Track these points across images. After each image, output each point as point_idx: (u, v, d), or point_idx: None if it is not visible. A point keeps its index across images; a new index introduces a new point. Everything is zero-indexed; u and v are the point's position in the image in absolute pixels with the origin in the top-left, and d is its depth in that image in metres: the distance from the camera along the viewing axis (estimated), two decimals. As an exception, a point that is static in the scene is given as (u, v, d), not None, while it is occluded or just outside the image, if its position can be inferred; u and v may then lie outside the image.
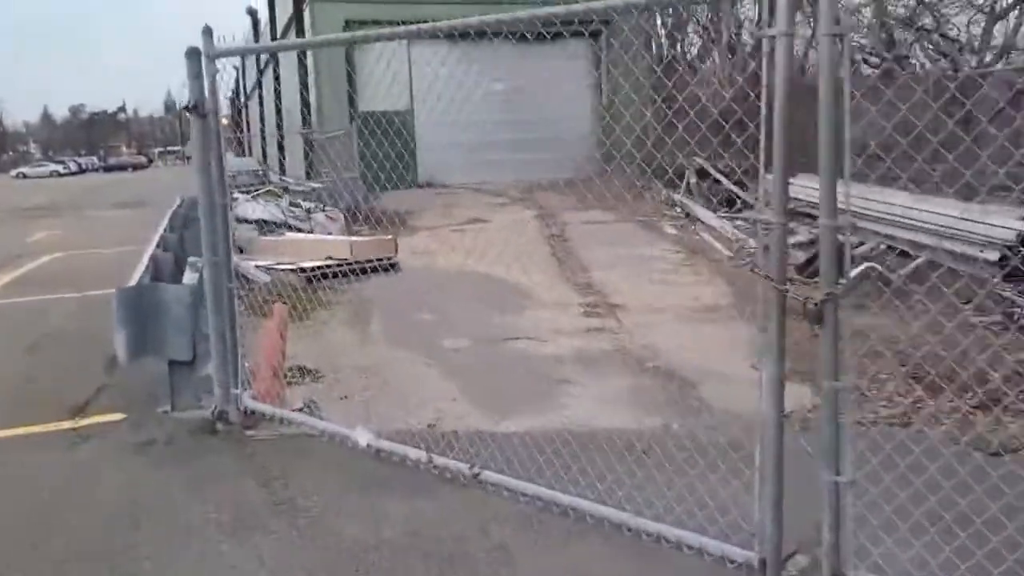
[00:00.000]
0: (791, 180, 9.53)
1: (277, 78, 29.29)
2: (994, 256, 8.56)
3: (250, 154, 42.20)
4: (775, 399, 2.92)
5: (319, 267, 10.41)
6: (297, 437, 4.78)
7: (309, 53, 22.06)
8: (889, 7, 13.30)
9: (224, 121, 5.54)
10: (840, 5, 2.73)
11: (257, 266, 10.29)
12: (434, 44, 21.00)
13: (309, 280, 9.94)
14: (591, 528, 3.53)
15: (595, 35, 22.68)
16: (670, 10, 21.80)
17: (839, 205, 2.85)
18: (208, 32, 4.69)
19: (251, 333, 5.77)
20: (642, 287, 9.22)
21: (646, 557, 3.34)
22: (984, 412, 4.86)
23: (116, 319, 5.13)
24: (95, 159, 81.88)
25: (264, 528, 3.73)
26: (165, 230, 9.76)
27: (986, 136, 8.45)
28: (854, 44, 14.65)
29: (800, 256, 10.64)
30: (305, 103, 22.84)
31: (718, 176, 15.51)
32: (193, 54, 4.68)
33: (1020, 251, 8.28)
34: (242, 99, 47.67)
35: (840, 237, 2.82)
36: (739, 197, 14.03)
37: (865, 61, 13.98)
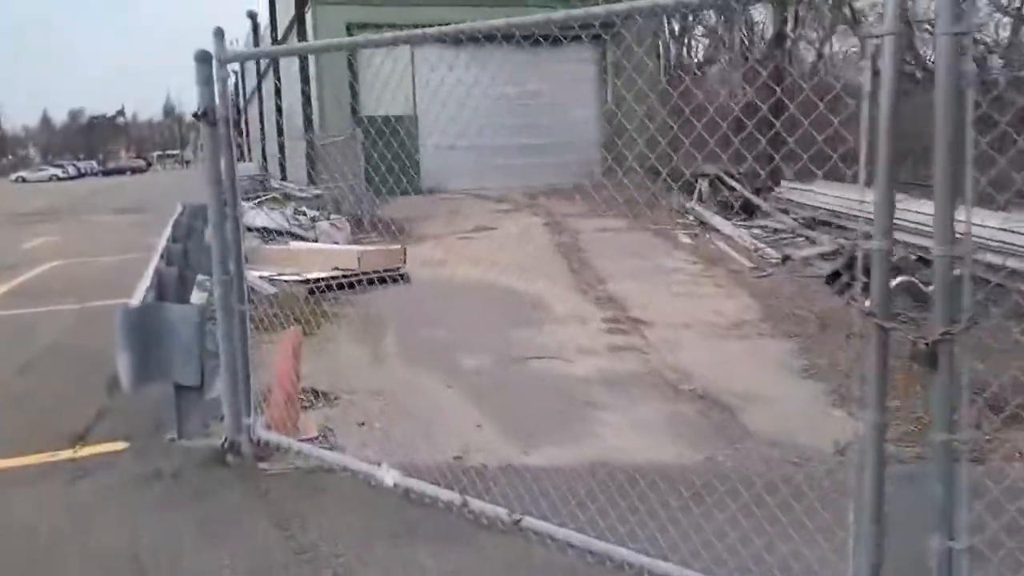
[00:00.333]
0: (814, 188, 9.17)
1: (278, 82, 28.97)
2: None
3: (250, 159, 41.89)
4: (876, 453, 2.55)
5: (326, 278, 10.05)
6: (314, 472, 4.43)
7: (311, 57, 21.72)
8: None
9: None
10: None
11: (261, 277, 9.94)
12: (438, 48, 20.82)
13: (315, 291, 9.59)
14: (649, 585, 3.17)
15: (601, 39, 22.40)
16: (677, 15, 21.51)
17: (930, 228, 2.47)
18: (219, 34, 4.34)
19: (255, 349, 5.43)
20: (663, 300, 8.87)
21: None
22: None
23: (119, 342, 4.77)
24: (94, 163, 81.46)
25: (284, 581, 3.38)
26: (168, 240, 9.40)
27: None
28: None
29: (825, 267, 10.32)
30: (306, 107, 22.52)
31: (732, 183, 15.18)
32: (203, 58, 4.33)
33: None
34: (242, 103, 47.37)
35: (959, 269, 2.45)
36: (758, 206, 13.68)
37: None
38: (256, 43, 36.35)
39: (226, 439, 4.77)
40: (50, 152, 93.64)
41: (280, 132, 30.09)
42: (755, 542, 3.23)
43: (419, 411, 5.51)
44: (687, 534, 3.34)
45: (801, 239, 12.05)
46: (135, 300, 5.48)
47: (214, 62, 4.28)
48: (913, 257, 9.61)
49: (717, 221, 13.76)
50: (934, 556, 2.46)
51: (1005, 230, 9.11)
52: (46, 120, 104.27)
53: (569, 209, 17.65)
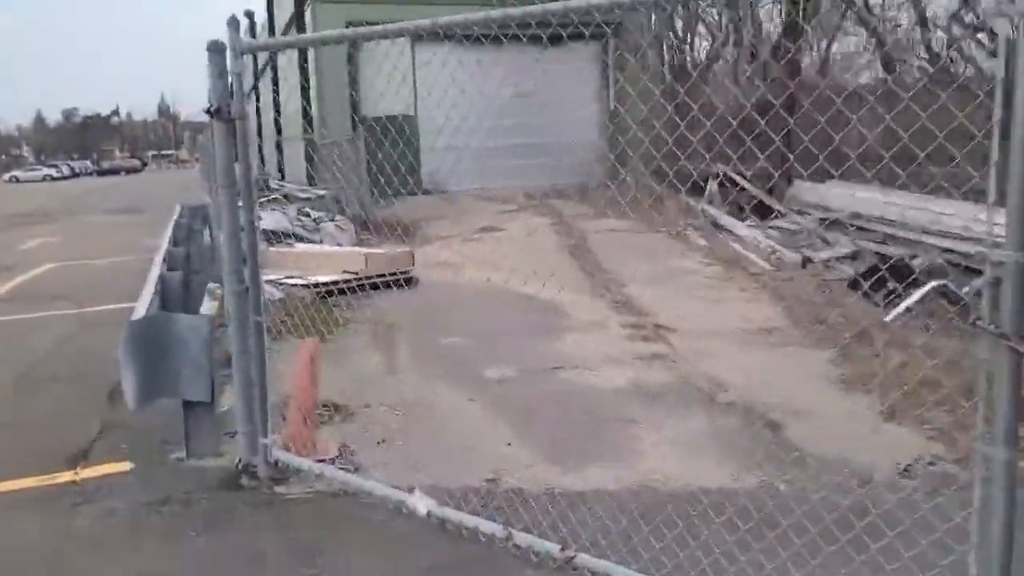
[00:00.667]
0: (829, 188, 8.76)
1: (275, 80, 28.57)
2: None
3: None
4: (1007, 498, 2.21)
5: (333, 282, 9.71)
6: (338, 497, 4.09)
7: (310, 55, 21.40)
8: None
9: None
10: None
11: (267, 281, 9.59)
12: (439, 47, 20.49)
13: (322, 296, 9.26)
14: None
15: (603, 37, 22.13)
16: (680, 9, 21.17)
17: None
18: (234, 23, 4.01)
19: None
20: (685, 305, 8.54)
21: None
22: None
23: (123, 356, 4.42)
24: (88, 163, 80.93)
25: (312, 627, 3.05)
26: (169, 243, 9.05)
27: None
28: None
29: (846, 270, 10.01)
30: (306, 107, 22.17)
31: (743, 183, 14.85)
32: (217, 48, 4.00)
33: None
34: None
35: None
36: (774, 207, 13.36)
37: (906, 62, 13.39)
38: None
39: (240, 460, 4.44)
40: (44, 152, 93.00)
41: (279, 132, 29.69)
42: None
43: (442, 427, 5.18)
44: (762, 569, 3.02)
45: (818, 241, 11.74)
46: (140, 308, 5.14)
47: (228, 53, 3.94)
48: (940, 261, 9.32)
49: (729, 222, 13.44)
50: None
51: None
52: (40, 119, 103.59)
53: (575, 210, 17.35)
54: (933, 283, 7.55)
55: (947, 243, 9.47)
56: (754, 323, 7.68)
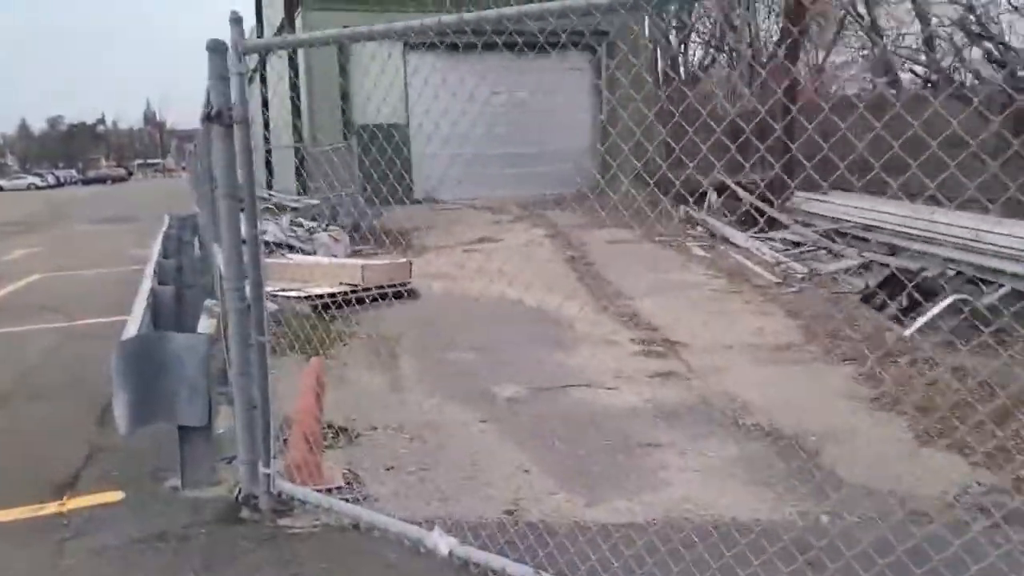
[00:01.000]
0: (833, 199, 8.53)
1: (264, 85, 28.25)
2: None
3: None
4: None
5: (331, 294, 9.41)
6: (346, 531, 3.79)
7: (301, 62, 21.15)
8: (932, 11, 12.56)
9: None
10: None
11: (261, 293, 9.28)
12: (429, 54, 20.30)
13: (320, 309, 8.96)
14: None
15: (596, 44, 21.99)
16: (673, 17, 21.02)
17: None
18: (237, 20, 3.72)
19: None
20: (693, 319, 8.29)
21: None
22: None
23: (116, 379, 4.12)
24: (74, 172, 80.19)
25: None
26: (159, 255, 8.72)
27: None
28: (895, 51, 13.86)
29: (854, 282, 9.79)
30: (296, 114, 21.89)
31: (743, 193, 14.65)
32: (218, 48, 3.71)
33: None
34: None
35: None
36: (776, 217, 13.14)
37: (911, 71, 13.24)
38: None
39: (240, 490, 4.13)
40: (28, 160, 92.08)
41: (267, 140, 29.35)
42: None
43: (454, 451, 4.90)
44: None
45: (823, 252, 11.54)
46: (132, 326, 4.83)
47: (230, 53, 3.66)
48: (951, 273, 9.11)
49: (730, 233, 13.23)
50: None
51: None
52: (24, 127, 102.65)
53: (571, 220, 17.08)
54: (953, 297, 7.32)
55: (955, 254, 9.26)
56: (767, 338, 7.44)
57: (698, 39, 20.43)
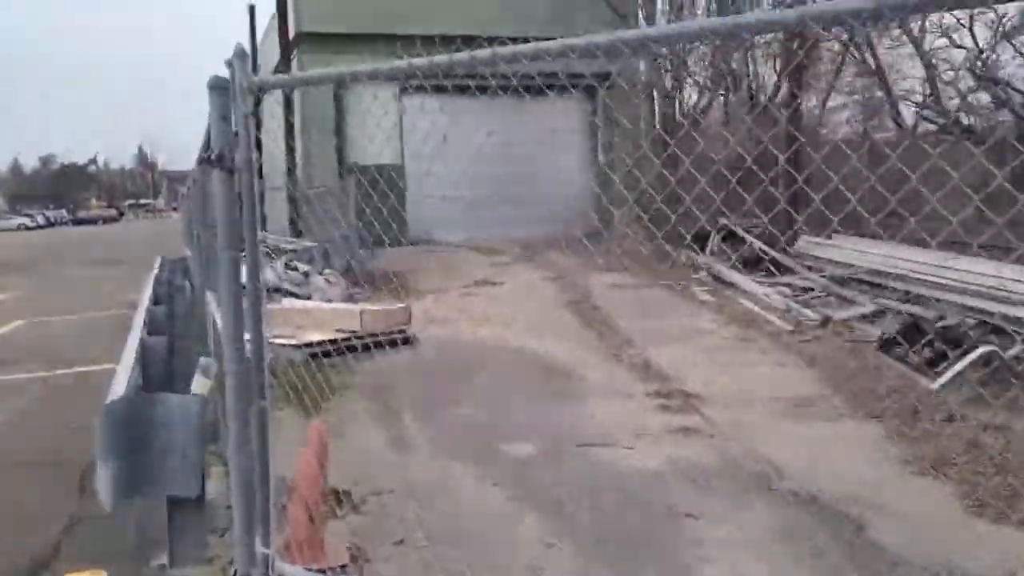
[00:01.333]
0: (841, 244, 8.20)
1: (258, 128, 28.10)
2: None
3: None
4: None
5: (326, 342, 9.04)
6: (356, 622, 3.40)
7: (296, 103, 21.05)
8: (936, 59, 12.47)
9: None
10: None
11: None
12: (426, 96, 20.21)
13: (314, 357, 8.58)
14: None
15: (596, 84, 21.96)
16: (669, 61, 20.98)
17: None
18: (242, 55, 3.41)
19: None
20: (707, 369, 7.94)
21: None
22: None
23: (101, 447, 3.73)
24: (64, 212, 79.76)
25: None
26: (149, 302, 8.35)
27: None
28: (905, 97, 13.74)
29: (869, 330, 9.47)
30: (290, 155, 21.69)
31: (747, 237, 14.40)
32: (219, 86, 3.38)
33: None
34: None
35: None
36: (783, 261, 12.88)
37: (924, 118, 13.10)
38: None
39: (235, 572, 3.72)
40: (18, 200, 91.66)
41: (261, 178, 29.14)
42: None
43: (467, 521, 4.51)
44: None
45: (832, 298, 11.24)
46: (119, 384, 4.45)
47: (237, 91, 3.34)
48: (972, 322, 8.79)
49: (736, 278, 12.93)
50: None
51: None
52: (16, 167, 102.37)
53: (570, 262, 16.80)
54: (983, 348, 7.00)
55: (976, 302, 8.96)
56: (788, 390, 7.09)
57: (695, 83, 20.32)
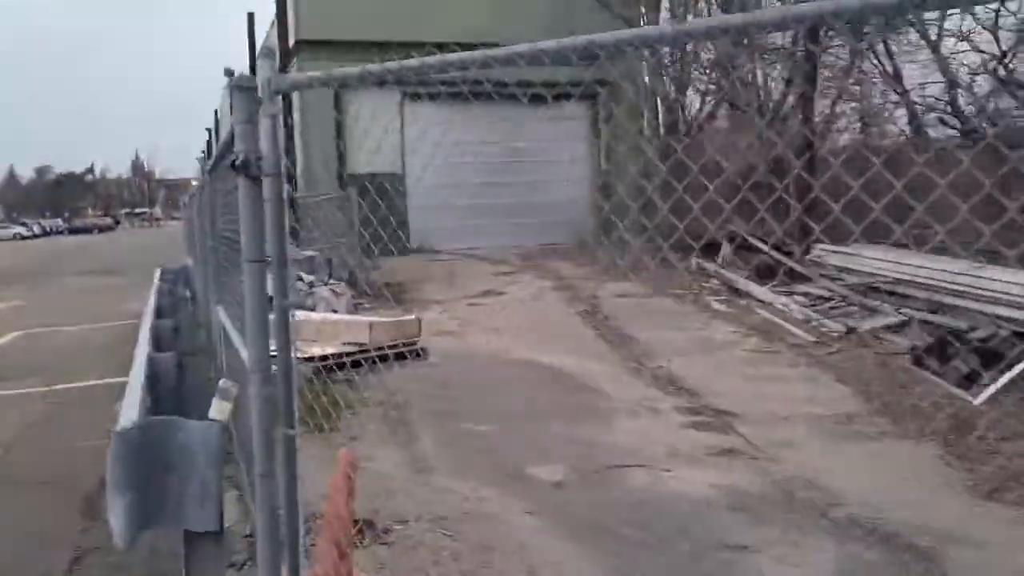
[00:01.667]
0: (861, 252, 7.84)
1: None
2: None
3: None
4: None
5: (334, 355, 8.73)
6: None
7: (295, 109, 20.77)
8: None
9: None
10: None
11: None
12: (427, 105, 19.93)
13: (322, 371, 8.27)
14: None
15: (595, 95, 21.81)
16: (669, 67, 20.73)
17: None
18: (269, 54, 3.12)
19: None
20: (736, 383, 7.64)
21: None
22: None
23: (112, 479, 3.41)
24: (60, 221, 79.40)
25: None
26: (153, 314, 8.02)
27: None
28: (920, 103, 13.50)
29: (897, 341, 9.17)
30: (290, 163, 21.37)
31: (759, 245, 14.11)
32: (245, 86, 3.09)
33: None
34: (212, 160, 45.95)
35: None
36: (799, 270, 12.58)
37: (942, 122, 12.85)
38: (232, 103, 35.21)
39: (260, 614, 3.40)
40: (14, 209, 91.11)
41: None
42: None
43: (505, 555, 4.18)
44: None
45: (853, 308, 10.94)
46: (129, 408, 4.13)
47: (264, 91, 3.03)
48: (1004, 333, 8.49)
49: (752, 287, 12.63)
50: None
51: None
52: (12, 177, 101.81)
53: (575, 271, 16.53)
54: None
55: (1013, 313, 8.65)
56: (824, 407, 6.78)
57: (698, 88, 20.08)
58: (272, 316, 3.30)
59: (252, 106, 3.12)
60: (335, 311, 12.03)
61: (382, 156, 20.39)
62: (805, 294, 12.04)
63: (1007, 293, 8.72)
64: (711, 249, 15.04)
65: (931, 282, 9.94)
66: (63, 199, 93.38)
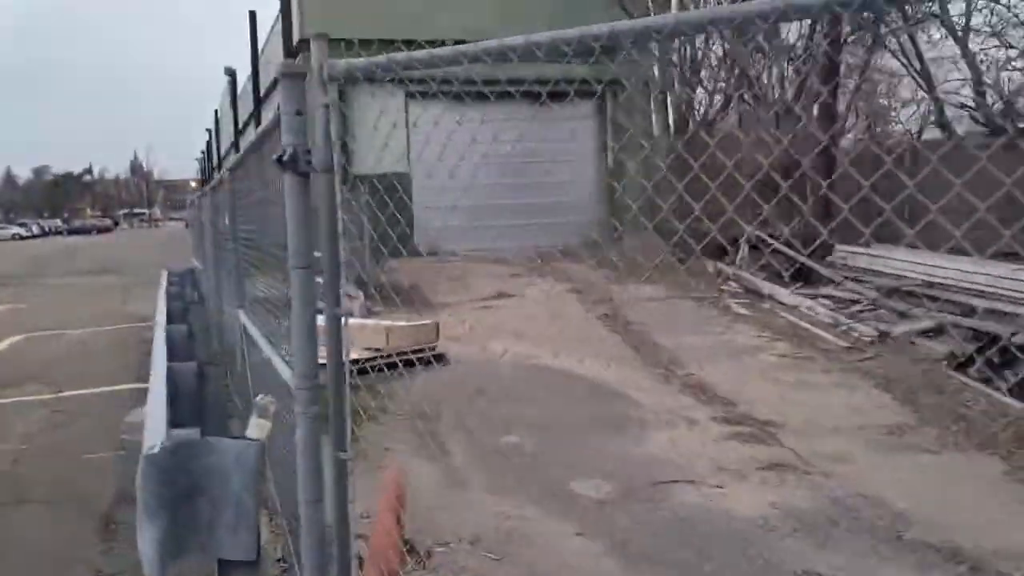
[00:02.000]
0: (888, 254, 7.49)
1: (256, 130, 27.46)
2: None
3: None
4: None
5: (352, 361, 8.38)
6: None
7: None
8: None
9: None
10: None
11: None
12: (434, 103, 19.64)
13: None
14: None
15: (602, 92, 21.53)
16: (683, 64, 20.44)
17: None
18: (322, 39, 2.83)
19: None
20: (771, 391, 7.36)
21: None
22: None
23: (142, 505, 3.11)
24: (59, 222, 79.07)
25: None
26: (165, 319, 7.71)
27: None
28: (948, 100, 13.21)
29: (932, 346, 8.88)
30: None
31: (779, 246, 13.82)
32: (295, 74, 2.81)
33: None
34: (215, 161, 45.66)
35: None
36: (823, 272, 12.30)
37: (973, 119, 12.58)
38: (234, 100, 34.89)
39: (304, 652, 3.11)
40: (13, 210, 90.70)
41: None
42: None
43: (558, 580, 3.89)
44: None
45: (883, 311, 10.65)
46: (155, 428, 3.83)
47: (316, 78, 2.74)
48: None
49: (773, 289, 12.35)
50: None
51: None
52: (10, 177, 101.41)
53: (590, 274, 16.23)
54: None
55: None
56: (870, 417, 6.49)
57: (709, 86, 19.82)
58: (322, 324, 3.03)
59: (301, 96, 2.83)
60: (350, 315, 11.73)
61: (388, 156, 20.09)
62: (829, 297, 11.76)
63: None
64: (725, 251, 14.77)
65: (965, 285, 9.68)
66: (61, 200, 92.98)
